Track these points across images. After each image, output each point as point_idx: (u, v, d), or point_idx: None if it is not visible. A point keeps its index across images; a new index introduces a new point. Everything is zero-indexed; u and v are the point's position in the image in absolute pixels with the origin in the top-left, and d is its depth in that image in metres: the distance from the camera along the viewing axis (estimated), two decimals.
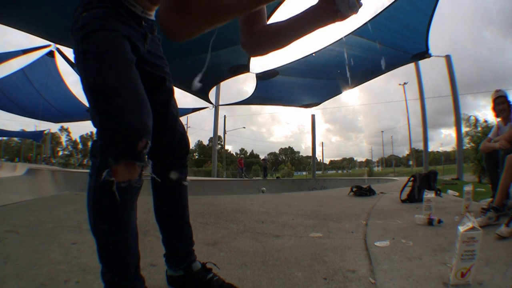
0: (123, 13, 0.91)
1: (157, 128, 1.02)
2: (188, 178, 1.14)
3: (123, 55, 0.86)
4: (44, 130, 31.66)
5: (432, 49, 8.81)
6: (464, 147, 13.74)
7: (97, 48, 0.84)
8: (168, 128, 1.05)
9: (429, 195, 2.37)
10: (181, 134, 1.09)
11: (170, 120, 1.05)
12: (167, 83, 1.07)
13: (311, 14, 0.70)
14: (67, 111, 15.70)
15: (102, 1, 0.89)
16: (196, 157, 67.93)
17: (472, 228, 1.11)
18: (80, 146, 71.89)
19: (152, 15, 1.03)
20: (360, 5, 0.68)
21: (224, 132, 33.64)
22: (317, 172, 26.12)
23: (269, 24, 0.81)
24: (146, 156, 0.85)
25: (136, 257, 0.90)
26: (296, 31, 0.74)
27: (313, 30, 0.73)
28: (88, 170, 0.88)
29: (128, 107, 0.81)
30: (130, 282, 0.86)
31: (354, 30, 8.06)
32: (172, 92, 1.09)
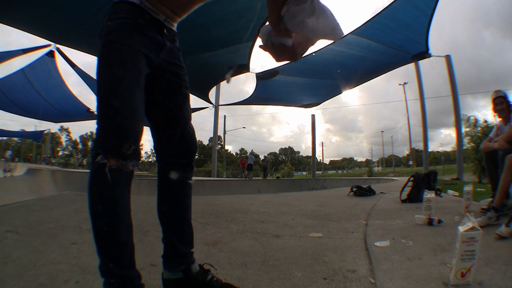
0: (143, 23, 0.99)
1: (169, 127, 1.11)
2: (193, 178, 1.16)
3: (131, 69, 0.96)
4: (44, 130, 31.70)
5: (431, 50, 8.82)
6: (464, 147, 13.74)
7: (110, 59, 0.96)
8: (178, 128, 1.11)
9: (429, 195, 2.37)
10: (190, 135, 1.15)
11: (181, 121, 1.12)
12: (183, 89, 1.14)
13: None
14: (67, 111, 15.72)
15: (125, 11, 0.98)
16: (196, 157, 67.79)
17: (472, 228, 1.11)
18: (80, 146, 71.90)
19: (175, 26, 1.11)
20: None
21: (224, 132, 33.63)
22: (317, 172, 26.11)
23: None
24: (129, 157, 0.94)
25: (131, 247, 0.93)
26: None
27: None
28: (88, 170, 0.95)
29: (124, 113, 0.92)
30: (125, 271, 0.90)
31: (354, 30, 8.06)
32: (187, 97, 1.17)
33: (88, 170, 0.98)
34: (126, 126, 0.93)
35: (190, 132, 1.15)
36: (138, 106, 0.97)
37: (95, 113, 0.96)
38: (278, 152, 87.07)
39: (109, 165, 0.90)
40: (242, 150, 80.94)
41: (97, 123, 0.95)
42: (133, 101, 0.96)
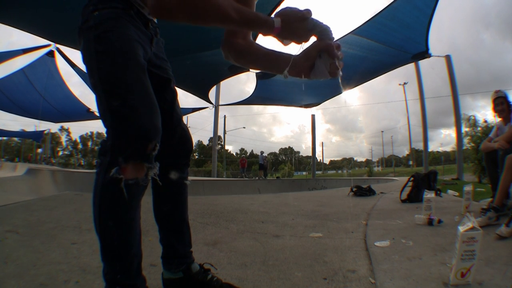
0: (133, 15, 0.92)
1: (163, 127, 1.04)
2: (189, 178, 1.14)
3: (137, 59, 0.88)
4: (44, 130, 31.68)
5: (431, 50, 8.82)
6: (464, 147, 13.71)
7: (112, 50, 0.86)
8: (172, 127, 1.07)
9: (429, 195, 2.37)
10: (185, 133, 1.11)
11: (175, 119, 1.08)
12: (172, 85, 1.10)
13: (286, 61, 0.86)
14: (67, 111, 15.70)
15: (113, 1, 0.90)
16: (196, 157, 67.88)
17: (472, 228, 1.11)
18: (80, 146, 71.94)
19: (155, 18, 1.06)
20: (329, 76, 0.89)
21: (224, 132, 33.67)
22: (317, 172, 26.12)
23: (250, 44, 0.97)
24: (154, 157, 0.88)
25: (139, 256, 0.90)
26: (267, 67, 0.94)
27: (280, 71, 0.88)
28: (88, 170, 0.91)
29: (140, 110, 0.84)
30: (132, 280, 0.86)
31: (354, 29, 8.06)
32: (176, 93, 1.12)
33: (88, 170, 0.93)
34: (147, 124, 0.83)
35: (185, 130, 1.10)
36: (154, 98, 0.89)
37: (96, 113, 0.89)
38: (278, 152, 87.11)
39: (126, 179, 0.81)
40: (242, 150, 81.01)
41: (108, 126, 0.84)
42: (148, 93, 0.87)
